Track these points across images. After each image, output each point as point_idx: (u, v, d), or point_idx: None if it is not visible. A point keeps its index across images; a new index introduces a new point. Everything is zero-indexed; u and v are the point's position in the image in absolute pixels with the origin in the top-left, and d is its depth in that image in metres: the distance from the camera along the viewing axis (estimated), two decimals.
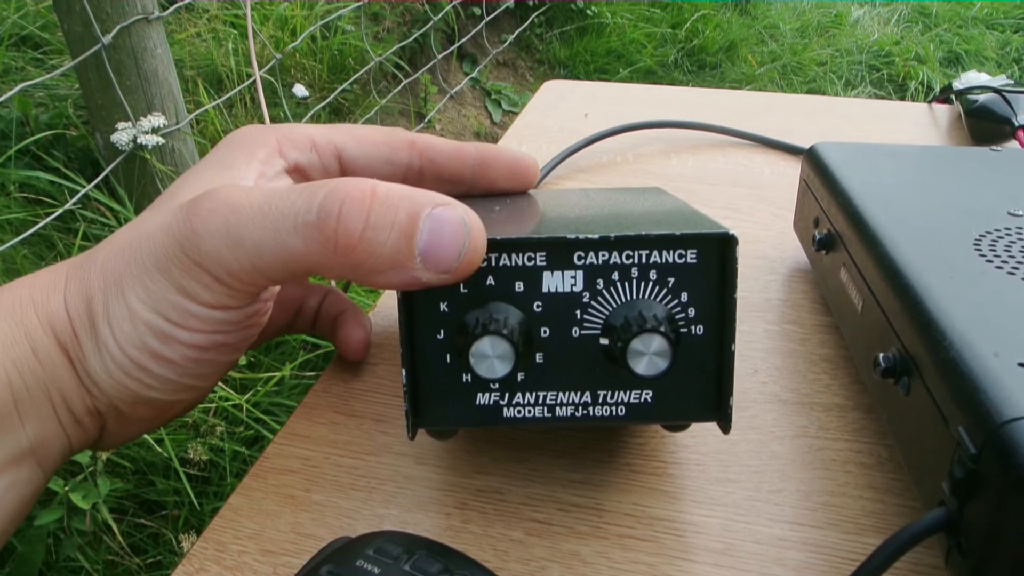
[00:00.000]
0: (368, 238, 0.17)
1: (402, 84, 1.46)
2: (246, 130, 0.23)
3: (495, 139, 1.41)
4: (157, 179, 0.89)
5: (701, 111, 0.45)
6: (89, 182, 0.82)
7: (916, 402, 0.18)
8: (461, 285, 0.18)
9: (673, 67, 1.96)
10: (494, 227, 0.19)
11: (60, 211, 0.79)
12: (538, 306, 0.18)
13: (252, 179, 0.21)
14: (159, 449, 0.65)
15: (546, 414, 0.19)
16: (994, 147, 0.30)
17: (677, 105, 0.48)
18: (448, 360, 0.18)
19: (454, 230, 0.17)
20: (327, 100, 1.22)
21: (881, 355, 0.20)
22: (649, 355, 0.17)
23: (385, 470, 0.23)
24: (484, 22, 1.72)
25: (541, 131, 0.45)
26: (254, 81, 1.14)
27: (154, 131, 0.78)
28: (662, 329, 0.17)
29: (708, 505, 0.22)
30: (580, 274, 0.17)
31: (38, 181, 0.84)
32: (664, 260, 0.17)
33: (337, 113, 1.34)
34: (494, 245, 0.17)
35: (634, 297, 0.18)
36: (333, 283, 0.31)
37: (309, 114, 1.18)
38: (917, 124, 0.46)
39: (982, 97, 0.42)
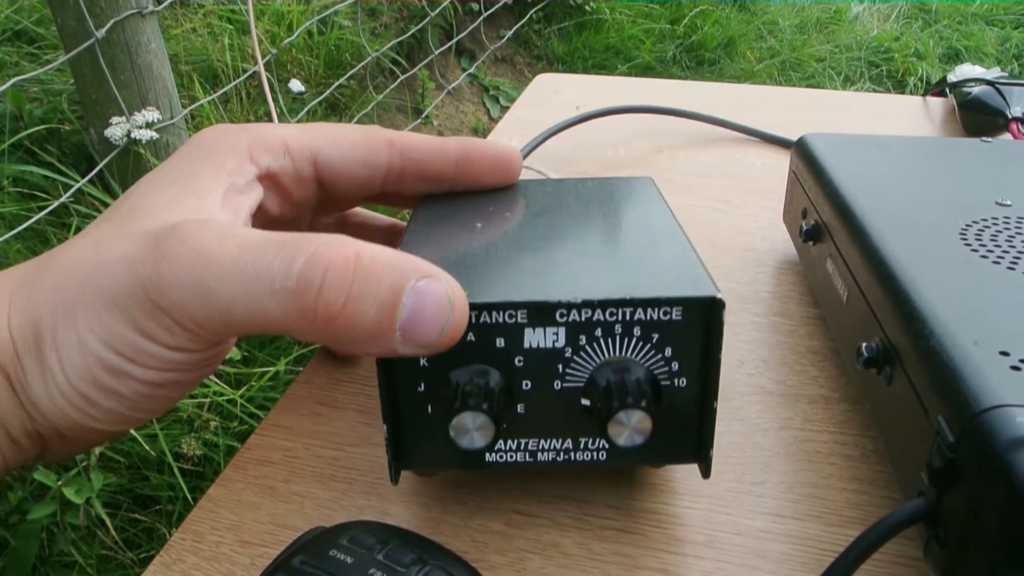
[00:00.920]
0: (350, 311, 0.16)
1: (399, 80, 1.45)
2: (212, 132, 0.21)
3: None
4: None
5: (695, 104, 0.45)
6: (83, 177, 0.82)
7: (897, 392, 0.18)
8: None
9: (672, 63, 1.96)
10: (474, 267, 0.18)
11: (54, 205, 0.78)
12: (519, 361, 0.18)
13: (219, 196, 0.20)
14: (153, 444, 0.65)
15: (528, 459, 0.19)
16: (985, 138, 0.30)
17: (671, 98, 0.47)
18: (430, 410, 0.18)
19: (437, 305, 0.16)
20: (323, 96, 1.22)
21: (864, 345, 0.20)
22: (630, 429, 0.17)
23: (366, 461, 0.23)
24: (482, 17, 1.71)
25: (533, 125, 0.44)
26: (251, 75, 1.14)
27: (148, 126, 0.78)
28: (644, 404, 0.17)
29: (690, 497, 0.21)
30: (562, 331, 0.17)
31: (32, 176, 0.84)
32: (649, 318, 0.17)
33: (333, 109, 1.33)
34: (475, 307, 0.17)
35: (617, 353, 0.17)
36: None
37: (305, 110, 1.18)
38: (911, 117, 0.45)
39: (976, 90, 0.42)
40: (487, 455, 0.19)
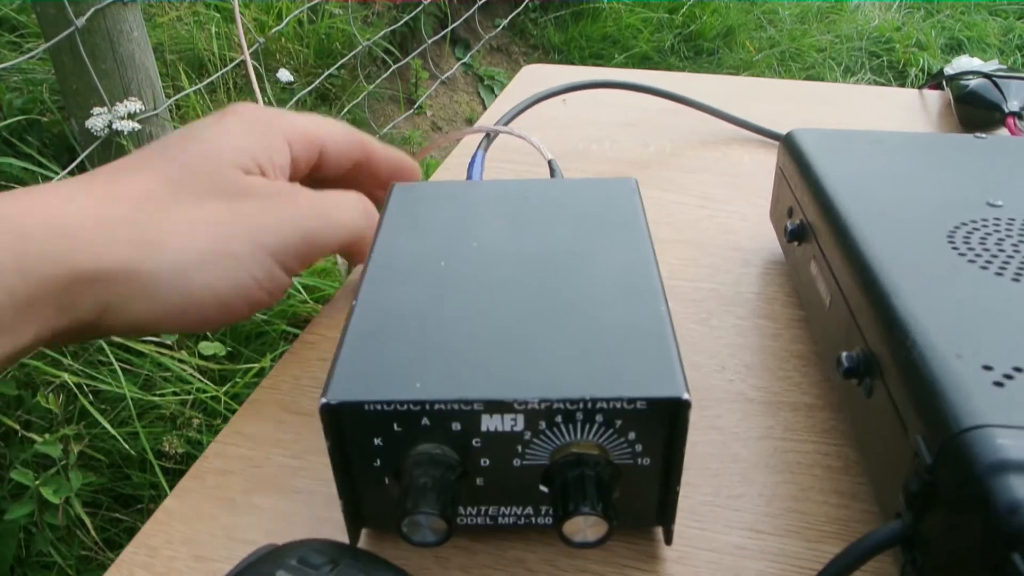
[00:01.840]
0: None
1: (392, 69, 1.43)
2: (257, 110, 0.26)
3: None
4: None
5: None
6: (64, 168, 0.80)
7: (877, 406, 0.17)
8: (395, 424, 0.17)
9: (669, 53, 1.93)
10: (430, 349, 0.18)
11: None
12: (477, 442, 0.17)
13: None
14: (134, 443, 0.64)
15: (488, 522, 0.19)
16: (979, 134, 0.29)
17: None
18: (387, 481, 0.18)
19: None
20: (313, 85, 1.20)
21: (844, 354, 0.19)
22: (584, 530, 0.17)
23: (329, 472, 0.22)
24: (477, 6, 1.69)
25: (518, 116, 0.43)
26: (238, 65, 1.12)
27: (130, 116, 0.77)
28: (600, 509, 0.16)
29: None
30: (521, 417, 0.17)
31: (11, 167, 0.82)
32: (611, 407, 0.17)
33: (324, 99, 1.31)
34: (431, 402, 0.17)
35: (578, 437, 0.17)
36: None
37: (294, 99, 1.16)
38: (907, 111, 0.44)
39: (973, 83, 0.41)
40: None
